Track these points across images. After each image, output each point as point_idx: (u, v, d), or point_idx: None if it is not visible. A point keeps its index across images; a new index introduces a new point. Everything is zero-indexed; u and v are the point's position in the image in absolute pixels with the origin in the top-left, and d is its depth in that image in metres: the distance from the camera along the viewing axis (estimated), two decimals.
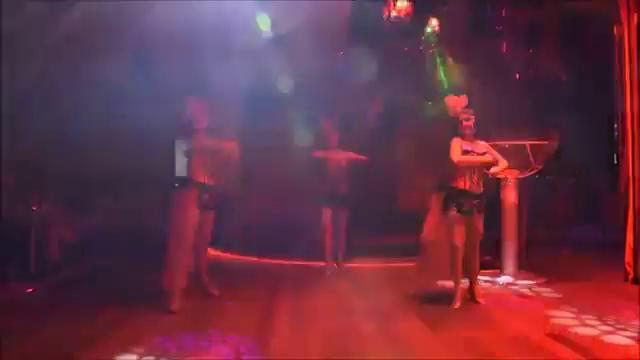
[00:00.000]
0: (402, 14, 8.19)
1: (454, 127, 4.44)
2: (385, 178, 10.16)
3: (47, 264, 5.71)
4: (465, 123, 4.36)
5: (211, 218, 4.57)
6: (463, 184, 4.34)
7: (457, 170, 4.34)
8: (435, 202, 4.56)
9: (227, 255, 7.48)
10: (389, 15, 8.33)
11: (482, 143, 4.45)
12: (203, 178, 4.40)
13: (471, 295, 4.55)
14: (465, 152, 4.32)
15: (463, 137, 4.39)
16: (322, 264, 5.89)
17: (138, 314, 4.07)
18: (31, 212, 5.74)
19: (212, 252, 7.68)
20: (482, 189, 4.40)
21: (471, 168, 4.35)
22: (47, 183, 7.72)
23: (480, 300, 4.49)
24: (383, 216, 9.68)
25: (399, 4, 8.22)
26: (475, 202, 4.35)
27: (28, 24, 5.82)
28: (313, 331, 3.72)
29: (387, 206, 9.94)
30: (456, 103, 4.44)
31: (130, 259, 6.07)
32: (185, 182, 4.44)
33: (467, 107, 4.44)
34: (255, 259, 7.05)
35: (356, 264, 6.59)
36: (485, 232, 4.51)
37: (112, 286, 5.20)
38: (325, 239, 5.80)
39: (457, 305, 4.32)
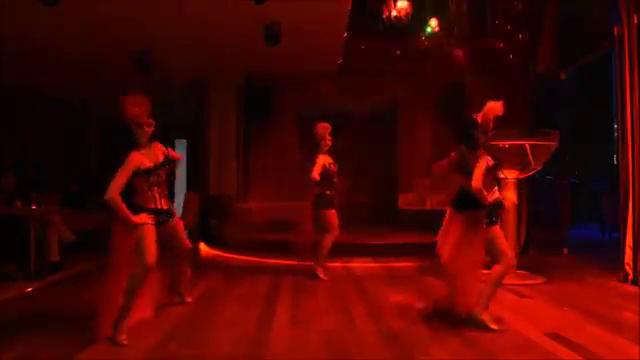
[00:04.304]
0: (402, 14, 8.21)
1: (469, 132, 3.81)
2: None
3: (47, 264, 5.70)
4: (490, 133, 3.82)
5: (177, 224, 3.94)
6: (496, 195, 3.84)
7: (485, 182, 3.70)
8: (460, 223, 3.81)
9: (227, 255, 7.49)
10: (389, 14, 8.34)
11: None
12: (156, 203, 3.64)
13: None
14: (495, 165, 3.86)
15: (478, 146, 3.81)
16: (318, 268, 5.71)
17: (138, 314, 4.05)
18: (31, 212, 5.73)
19: (212, 252, 7.77)
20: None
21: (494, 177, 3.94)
22: (47, 183, 7.75)
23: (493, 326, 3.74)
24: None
25: (399, 4, 8.24)
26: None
27: None
28: (313, 331, 3.72)
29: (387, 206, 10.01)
30: (495, 110, 3.73)
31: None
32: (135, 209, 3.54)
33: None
34: (255, 259, 7.04)
35: (356, 264, 6.60)
36: None
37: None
38: (329, 242, 5.62)
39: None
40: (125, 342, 3.38)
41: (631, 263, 5.24)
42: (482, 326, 3.68)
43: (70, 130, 10.53)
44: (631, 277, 5.22)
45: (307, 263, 5.78)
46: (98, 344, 3.38)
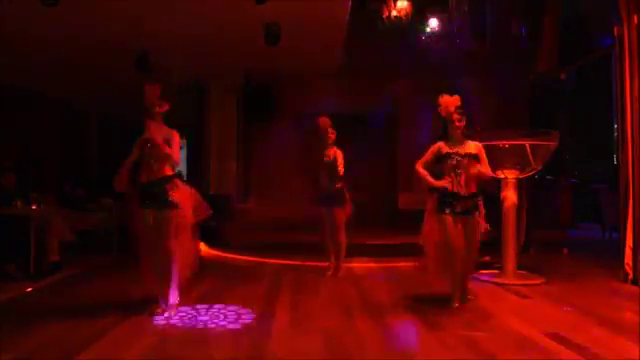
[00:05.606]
0: (402, 14, 8.21)
1: (444, 127, 4.38)
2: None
3: (47, 264, 5.70)
4: (457, 124, 4.27)
5: (169, 217, 4.03)
6: (450, 186, 4.24)
7: (443, 172, 4.30)
8: (430, 204, 4.40)
9: (227, 255, 7.49)
10: (389, 14, 8.34)
11: (473, 144, 4.34)
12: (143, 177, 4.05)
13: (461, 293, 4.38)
14: (446, 155, 4.26)
15: (451, 139, 4.32)
16: (325, 264, 5.84)
17: (138, 314, 4.06)
18: (31, 212, 5.73)
19: (212, 252, 7.76)
20: (472, 190, 4.29)
21: (454, 169, 4.27)
22: (46, 183, 7.74)
23: (470, 297, 4.44)
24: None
25: (399, 4, 8.24)
26: (469, 203, 4.26)
27: None
28: (313, 331, 3.72)
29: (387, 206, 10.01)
30: (450, 102, 4.30)
31: (129, 259, 6.06)
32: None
33: (460, 107, 4.31)
34: (255, 259, 7.03)
35: (356, 264, 6.59)
36: (487, 232, 4.47)
37: (112, 286, 5.20)
38: (325, 239, 5.75)
39: (456, 305, 4.27)
40: (159, 314, 3.95)
41: (631, 263, 5.24)
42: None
43: (70, 130, 10.53)
44: (631, 277, 5.21)
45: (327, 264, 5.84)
46: (98, 343, 3.39)
